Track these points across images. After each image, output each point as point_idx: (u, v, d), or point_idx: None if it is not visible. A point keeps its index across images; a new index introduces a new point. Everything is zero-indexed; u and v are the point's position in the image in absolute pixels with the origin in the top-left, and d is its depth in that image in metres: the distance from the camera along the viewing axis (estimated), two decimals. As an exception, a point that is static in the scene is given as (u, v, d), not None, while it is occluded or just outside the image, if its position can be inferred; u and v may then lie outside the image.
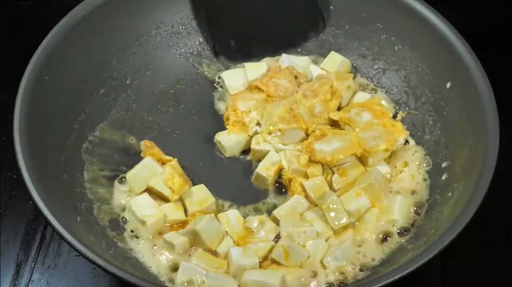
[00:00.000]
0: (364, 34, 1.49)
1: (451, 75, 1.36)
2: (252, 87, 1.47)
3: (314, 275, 1.24)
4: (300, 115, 1.40)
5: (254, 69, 1.52)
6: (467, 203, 1.14)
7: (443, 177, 1.32)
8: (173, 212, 1.31)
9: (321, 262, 1.25)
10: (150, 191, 1.34)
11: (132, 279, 1.07)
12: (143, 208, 1.30)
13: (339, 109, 1.44)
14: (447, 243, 1.09)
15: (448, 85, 1.37)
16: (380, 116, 1.40)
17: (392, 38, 1.46)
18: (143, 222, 1.28)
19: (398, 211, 1.31)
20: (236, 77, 1.52)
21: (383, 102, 1.45)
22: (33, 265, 1.37)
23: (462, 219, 1.13)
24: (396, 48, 1.46)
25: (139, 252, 1.26)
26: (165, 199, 1.33)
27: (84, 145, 1.35)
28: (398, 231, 1.29)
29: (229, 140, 1.41)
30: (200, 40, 1.54)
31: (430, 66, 1.41)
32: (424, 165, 1.37)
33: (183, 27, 1.52)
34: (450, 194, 1.26)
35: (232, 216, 1.31)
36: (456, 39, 1.34)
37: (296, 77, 1.48)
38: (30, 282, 1.35)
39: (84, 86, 1.38)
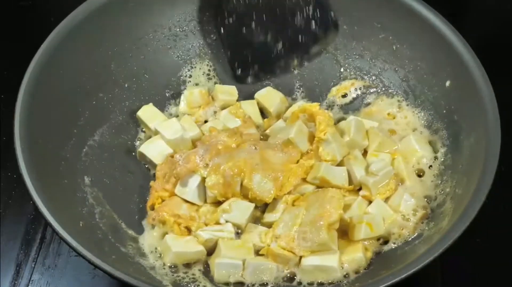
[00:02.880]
0: (362, 33, 1.49)
1: (450, 74, 1.36)
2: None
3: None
4: None
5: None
6: (470, 202, 1.15)
7: (445, 176, 1.33)
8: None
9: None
10: None
11: (139, 283, 1.08)
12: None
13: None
14: (451, 242, 1.10)
15: (448, 83, 1.37)
16: None
17: (390, 37, 1.45)
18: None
19: (419, 146, 1.37)
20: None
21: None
22: (33, 265, 1.37)
23: (464, 218, 1.13)
24: (394, 47, 1.46)
25: (141, 256, 1.26)
26: None
27: (84, 150, 1.35)
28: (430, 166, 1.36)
29: None
30: (200, 42, 1.54)
31: (429, 64, 1.41)
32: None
33: (181, 29, 1.52)
34: (452, 193, 1.27)
35: None
36: (455, 37, 1.33)
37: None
38: (30, 282, 1.35)
39: (82, 90, 1.38)
